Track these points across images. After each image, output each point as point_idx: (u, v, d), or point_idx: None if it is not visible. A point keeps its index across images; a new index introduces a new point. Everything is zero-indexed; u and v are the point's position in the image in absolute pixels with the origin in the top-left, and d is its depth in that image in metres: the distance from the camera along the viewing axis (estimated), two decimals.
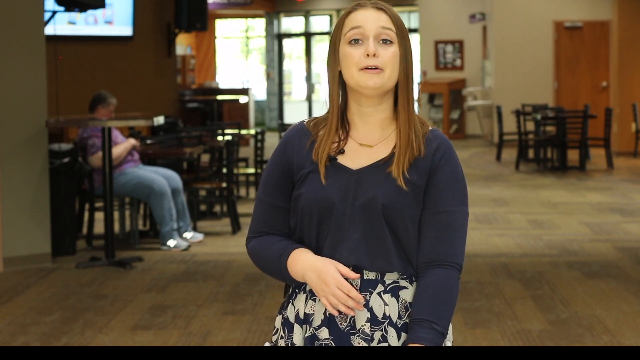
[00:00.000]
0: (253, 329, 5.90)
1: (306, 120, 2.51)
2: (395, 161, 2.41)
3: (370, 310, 2.40)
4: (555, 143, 14.16)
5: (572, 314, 6.18)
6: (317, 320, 2.43)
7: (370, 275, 2.41)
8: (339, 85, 2.46)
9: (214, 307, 6.42)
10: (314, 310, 2.43)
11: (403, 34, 2.43)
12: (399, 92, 2.44)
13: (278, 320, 2.53)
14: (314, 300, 2.44)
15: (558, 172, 13.79)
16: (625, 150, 16.10)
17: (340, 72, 2.45)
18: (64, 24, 11.66)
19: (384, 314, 2.40)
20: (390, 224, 2.40)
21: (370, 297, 2.41)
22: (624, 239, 8.65)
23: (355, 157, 2.44)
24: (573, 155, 14.66)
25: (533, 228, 9.30)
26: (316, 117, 2.52)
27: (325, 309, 2.41)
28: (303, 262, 2.41)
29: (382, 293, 2.41)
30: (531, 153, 15.17)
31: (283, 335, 2.49)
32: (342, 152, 2.44)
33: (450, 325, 2.47)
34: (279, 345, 2.50)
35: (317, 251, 2.44)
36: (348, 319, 2.41)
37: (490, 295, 6.64)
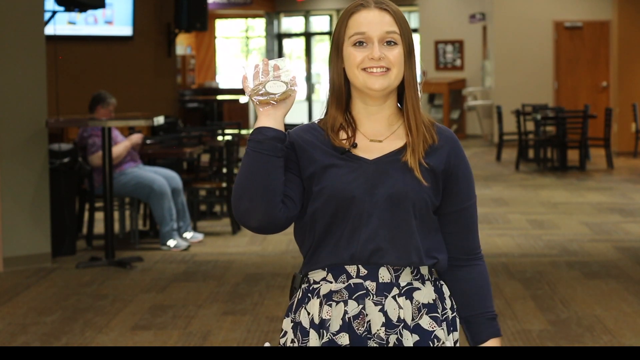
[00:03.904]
0: (253, 329, 5.90)
1: (317, 121, 2.51)
2: (410, 151, 2.41)
3: (385, 314, 2.39)
4: (555, 143, 14.15)
5: (572, 314, 6.18)
6: (335, 325, 2.40)
7: (385, 278, 2.40)
8: (345, 82, 2.46)
9: (214, 307, 6.42)
10: (330, 316, 2.40)
11: (406, 32, 2.43)
12: (406, 88, 2.44)
13: (287, 323, 2.49)
14: (329, 305, 2.41)
15: (558, 172, 13.79)
16: (625, 150, 16.09)
17: (344, 70, 2.45)
18: (64, 24, 11.66)
19: (399, 317, 2.40)
20: (410, 211, 2.40)
21: (385, 300, 2.39)
22: (624, 239, 8.65)
23: (368, 151, 2.44)
24: (573, 155, 14.66)
25: (533, 228, 9.29)
26: (321, 119, 2.51)
27: (344, 314, 2.39)
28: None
29: (396, 297, 2.40)
30: (531, 153, 15.17)
31: (294, 339, 2.44)
32: (355, 145, 2.43)
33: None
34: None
35: (327, 240, 2.42)
36: (365, 324, 2.39)
37: None
